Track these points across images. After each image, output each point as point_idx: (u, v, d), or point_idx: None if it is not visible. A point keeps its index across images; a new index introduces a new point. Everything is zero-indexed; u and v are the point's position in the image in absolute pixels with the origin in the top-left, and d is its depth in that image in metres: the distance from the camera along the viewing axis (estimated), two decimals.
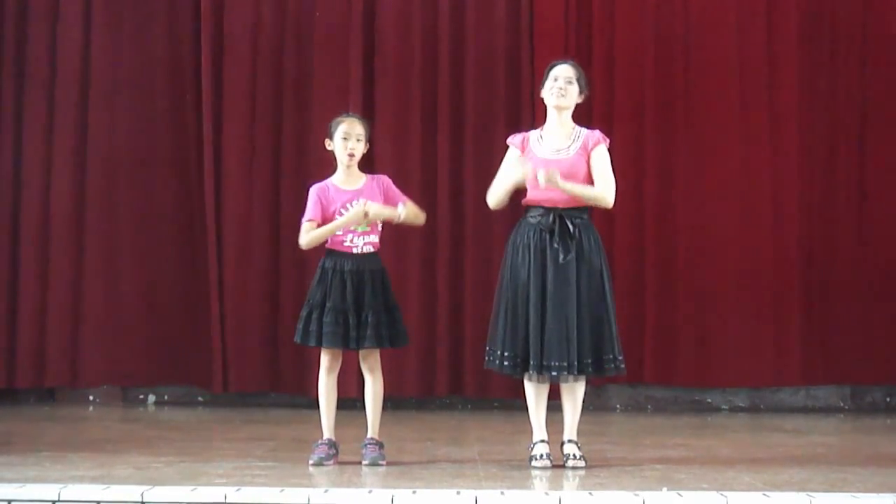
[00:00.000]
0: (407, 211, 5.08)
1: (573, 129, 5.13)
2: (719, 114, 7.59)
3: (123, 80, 7.63)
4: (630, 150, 7.36)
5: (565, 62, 5.20)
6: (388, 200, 5.12)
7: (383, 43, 7.58)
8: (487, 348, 5.09)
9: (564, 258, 4.92)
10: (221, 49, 7.60)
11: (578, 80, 5.13)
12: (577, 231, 4.97)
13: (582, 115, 5.28)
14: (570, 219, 4.98)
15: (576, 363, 4.89)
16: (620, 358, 5.00)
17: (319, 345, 5.04)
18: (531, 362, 4.91)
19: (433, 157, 7.57)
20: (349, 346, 5.03)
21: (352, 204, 5.03)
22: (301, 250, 5.20)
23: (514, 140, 5.20)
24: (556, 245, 4.93)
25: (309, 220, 5.08)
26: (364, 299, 5.01)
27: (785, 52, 7.62)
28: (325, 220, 5.09)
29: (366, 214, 4.99)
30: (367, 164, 5.36)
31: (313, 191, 5.16)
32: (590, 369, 4.96)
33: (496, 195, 5.16)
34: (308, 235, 5.09)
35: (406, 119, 7.58)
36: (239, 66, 7.62)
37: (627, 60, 7.60)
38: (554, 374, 4.91)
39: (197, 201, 7.55)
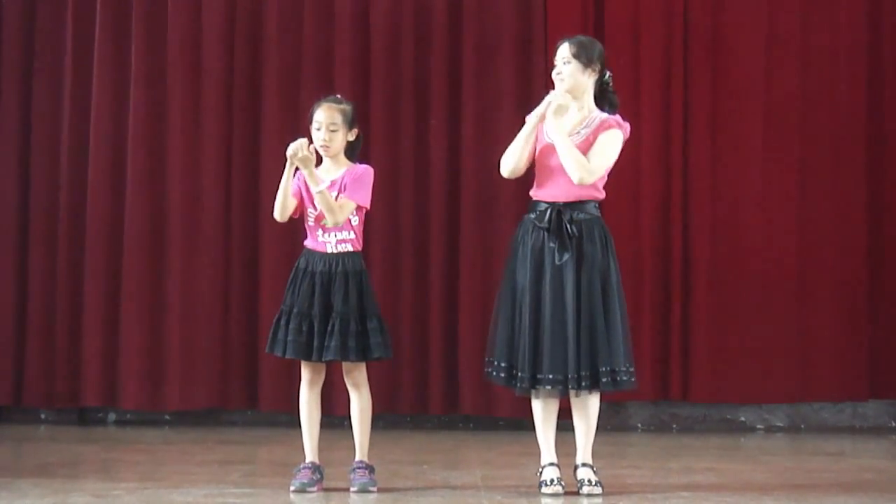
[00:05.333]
0: (323, 195, 4.89)
1: (590, 113, 4.98)
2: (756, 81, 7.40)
3: None
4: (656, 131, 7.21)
5: (564, 40, 5.01)
6: (346, 188, 5.02)
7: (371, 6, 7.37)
8: (486, 357, 5.04)
9: (560, 259, 4.84)
10: None
11: (578, 56, 4.92)
12: (578, 228, 4.86)
13: None
14: (571, 214, 4.87)
15: (575, 377, 4.79)
16: (623, 370, 4.85)
17: (284, 355, 5.00)
18: (520, 374, 4.84)
19: (425, 142, 7.34)
20: (311, 357, 4.95)
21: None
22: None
23: (532, 117, 5.03)
24: (552, 244, 4.85)
25: None
26: (333, 304, 4.93)
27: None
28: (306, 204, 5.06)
29: (295, 155, 4.86)
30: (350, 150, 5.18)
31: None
32: (585, 384, 4.83)
33: (510, 153, 4.98)
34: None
35: (394, 99, 7.34)
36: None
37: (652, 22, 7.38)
38: (548, 387, 4.83)
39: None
